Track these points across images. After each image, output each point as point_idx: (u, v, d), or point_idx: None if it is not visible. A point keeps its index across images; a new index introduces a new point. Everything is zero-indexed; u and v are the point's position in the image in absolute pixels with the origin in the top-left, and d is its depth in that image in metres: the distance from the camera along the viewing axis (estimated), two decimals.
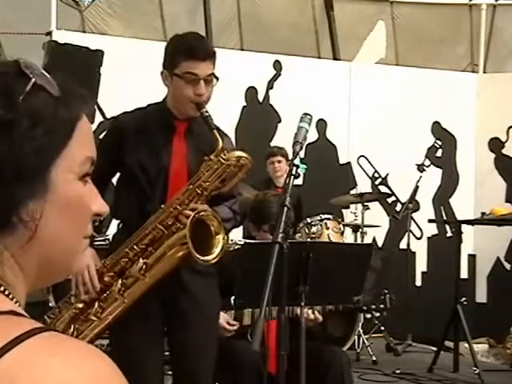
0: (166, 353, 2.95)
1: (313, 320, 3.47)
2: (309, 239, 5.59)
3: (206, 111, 2.68)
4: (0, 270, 0.85)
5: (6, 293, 0.85)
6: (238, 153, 2.70)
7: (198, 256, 2.61)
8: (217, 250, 2.66)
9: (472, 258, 7.75)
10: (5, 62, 0.89)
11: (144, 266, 2.65)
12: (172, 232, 2.66)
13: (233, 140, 3.09)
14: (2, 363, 0.74)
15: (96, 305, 2.68)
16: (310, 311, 3.43)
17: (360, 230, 6.43)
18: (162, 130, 2.80)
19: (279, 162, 6.05)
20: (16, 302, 0.85)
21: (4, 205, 0.83)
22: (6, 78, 0.86)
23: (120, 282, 2.67)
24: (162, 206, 2.69)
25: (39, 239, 0.86)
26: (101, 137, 3.04)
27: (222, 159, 2.65)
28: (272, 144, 7.01)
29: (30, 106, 0.85)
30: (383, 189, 7.64)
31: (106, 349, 2.93)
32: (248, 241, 4.06)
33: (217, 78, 2.75)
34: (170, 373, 2.95)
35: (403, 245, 7.25)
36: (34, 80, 0.86)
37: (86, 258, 2.69)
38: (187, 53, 2.70)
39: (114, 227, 3.41)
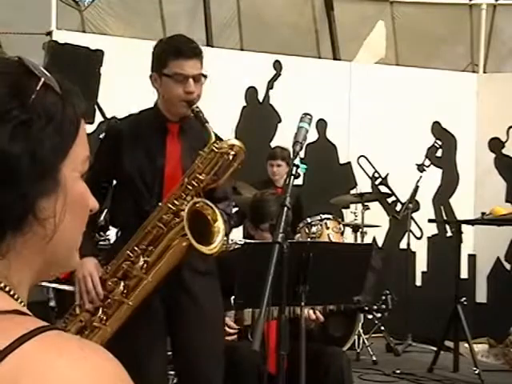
0: (169, 353, 2.95)
1: (314, 320, 3.46)
2: (309, 239, 5.58)
3: (197, 107, 2.69)
4: (6, 271, 0.86)
5: (12, 293, 0.85)
6: (231, 141, 2.70)
7: (198, 246, 2.60)
8: (217, 239, 2.64)
9: (472, 257, 7.75)
10: (7, 59, 0.89)
11: (145, 265, 2.63)
12: (171, 227, 2.65)
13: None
14: (6, 362, 0.75)
15: (100, 311, 2.65)
16: (311, 311, 3.42)
17: (360, 230, 6.43)
18: (156, 133, 2.81)
19: (278, 166, 5.95)
20: (21, 302, 0.86)
21: (20, 204, 0.84)
22: (15, 77, 0.86)
23: (122, 284, 2.65)
24: (160, 203, 2.69)
25: (50, 237, 0.87)
26: (101, 136, 3.04)
27: (214, 148, 2.65)
28: (272, 144, 7.01)
29: (42, 105, 0.85)
30: (383, 189, 7.64)
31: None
32: (248, 241, 4.06)
33: (205, 76, 2.75)
34: (172, 372, 2.95)
35: (403, 245, 7.25)
36: (43, 79, 0.87)
37: (88, 266, 2.68)
38: (174, 52, 2.72)
39: (114, 228, 3.40)
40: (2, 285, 0.84)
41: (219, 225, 2.65)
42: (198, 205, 2.64)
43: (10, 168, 0.82)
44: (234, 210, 4.67)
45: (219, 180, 2.71)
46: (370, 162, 7.63)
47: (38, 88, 0.86)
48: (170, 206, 2.65)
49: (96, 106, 5.64)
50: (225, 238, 2.76)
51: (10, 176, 0.82)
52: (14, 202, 0.83)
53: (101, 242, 4.58)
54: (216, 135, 2.69)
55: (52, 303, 4.79)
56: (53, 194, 0.86)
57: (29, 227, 0.85)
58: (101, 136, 3.17)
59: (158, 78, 2.76)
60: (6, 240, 0.84)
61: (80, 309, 2.69)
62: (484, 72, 8.33)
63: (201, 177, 2.65)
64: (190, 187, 2.66)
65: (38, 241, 0.87)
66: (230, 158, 2.67)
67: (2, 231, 0.84)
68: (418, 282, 7.72)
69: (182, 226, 2.59)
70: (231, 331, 3.44)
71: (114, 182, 2.92)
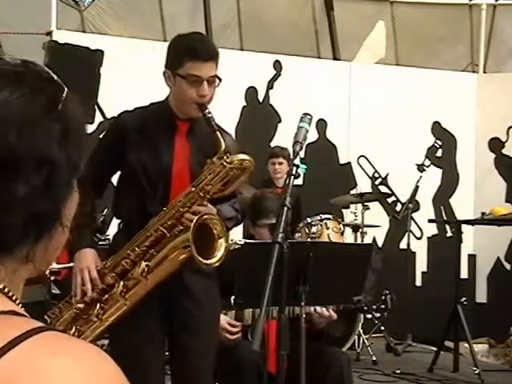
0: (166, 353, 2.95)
1: (327, 317, 3.42)
2: (309, 239, 5.58)
3: (209, 112, 2.66)
4: (6, 278, 0.85)
5: (10, 294, 0.85)
6: (241, 156, 2.68)
7: (200, 259, 2.60)
8: (219, 254, 2.65)
9: (472, 257, 7.75)
10: (35, 66, 0.90)
11: (146, 269, 2.63)
12: (174, 234, 2.64)
13: None
14: (1, 363, 0.74)
15: (97, 306, 2.67)
16: (324, 308, 3.38)
17: (360, 229, 6.43)
18: (164, 130, 2.78)
19: (280, 163, 6.04)
20: (19, 304, 0.86)
21: (56, 210, 0.86)
22: (50, 86, 0.88)
23: (122, 283, 2.66)
24: (164, 208, 2.68)
25: (62, 243, 0.90)
26: (101, 136, 3.03)
27: (225, 162, 2.63)
28: (272, 144, 7.02)
29: (69, 114, 0.88)
30: (383, 189, 7.64)
31: (106, 349, 2.93)
32: (248, 241, 4.06)
33: (219, 79, 2.74)
34: (170, 373, 2.95)
35: (403, 245, 7.25)
36: (66, 89, 0.89)
37: (87, 258, 2.68)
38: (191, 54, 2.68)
39: (114, 227, 3.40)
40: (1, 286, 0.84)
41: (223, 242, 2.66)
42: (206, 217, 2.63)
43: (54, 176, 0.84)
44: None
45: (226, 190, 2.71)
46: (370, 162, 7.64)
47: (63, 97, 0.88)
48: (175, 212, 2.65)
49: (96, 106, 5.65)
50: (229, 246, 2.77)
51: (52, 183, 0.84)
52: (52, 207, 0.85)
53: (101, 242, 4.58)
54: (223, 136, 2.68)
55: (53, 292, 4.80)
56: (69, 199, 0.89)
57: (55, 232, 0.87)
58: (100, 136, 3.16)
59: (172, 76, 2.72)
60: (38, 245, 0.85)
61: (76, 299, 2.70)
62: (484, 72, 8.33)
63: (208, 188, 2.64)
64: (197, 197, 2.65)
65: (50, 245, 0.88)
66: (239, 172, 2.67)
67: (38, 236, 0.85)
68: (418, 282, 7.72)
69: (187, 237, 2.59)
70: (234, 330, 3.42)
71: (117, 176, 2.90)
